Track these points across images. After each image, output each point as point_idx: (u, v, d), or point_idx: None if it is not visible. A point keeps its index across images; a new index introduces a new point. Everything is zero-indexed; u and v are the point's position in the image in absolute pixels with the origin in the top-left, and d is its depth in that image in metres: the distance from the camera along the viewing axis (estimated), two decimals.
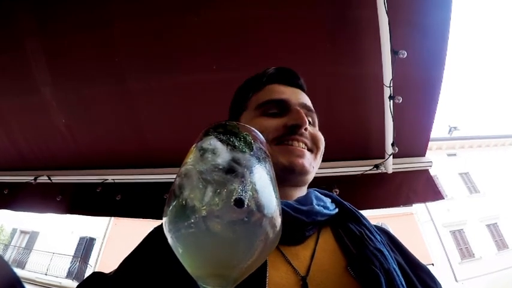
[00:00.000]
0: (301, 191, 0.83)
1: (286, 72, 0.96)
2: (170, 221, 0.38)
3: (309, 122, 0.86)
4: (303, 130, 0.79)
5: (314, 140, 0.83)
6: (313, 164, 0.81)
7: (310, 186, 0.94)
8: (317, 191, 0.88)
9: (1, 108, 2.31)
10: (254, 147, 0.43)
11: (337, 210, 0.81)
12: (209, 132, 0.45)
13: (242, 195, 0.36)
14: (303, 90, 0.95)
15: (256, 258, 0.38)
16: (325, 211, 0.76)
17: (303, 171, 0.76)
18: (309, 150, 0.81)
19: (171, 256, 0.40)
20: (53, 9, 1.86)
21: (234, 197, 0.36)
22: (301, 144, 0.79)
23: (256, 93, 0.91)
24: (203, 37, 1.84)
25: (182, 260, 0.38)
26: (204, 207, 0.36)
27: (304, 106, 0.87)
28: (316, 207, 0.74)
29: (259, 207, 0.37)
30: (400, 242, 0.84)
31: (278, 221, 0.39)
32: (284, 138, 0.78)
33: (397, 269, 0.66)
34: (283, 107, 0.84)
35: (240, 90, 1.00)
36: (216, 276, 0.36)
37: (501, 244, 18.00)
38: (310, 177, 0.82)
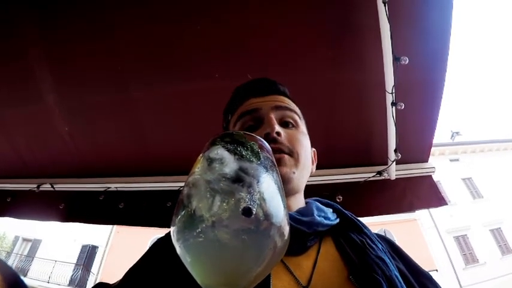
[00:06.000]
0: (296, 200, 0.82)
1: (257, 84, 0.94)
2: (178, 230, 0.38)
3: (289, 124, 0.84)
4: (275, 135, 0.76)
5: (290, 141, 0.79)
6: (293, 169, 0.77)
7: (313, 195, 0.93)
8: (318, 201, 0.87)
9: (4, 117, 2.32)
10: (261, 157, 0.43)
11: (338, 220, 0.80)
12: (216, 142, 0.45)
13: (250, 205, 0.36)
14: (282, 94, 0.93)
15: (265, 267, 0.38)
16: (326, 221, 0.76)
17: (283, 179, 0.73)
18: (289, 153, 0.78)
19: (178, 266, 0.40)
20: (57, 17, 1.87)
21: (242, 206, 0.36)
22: (277, 151, 0.76)
23: (233, 114, 0.91)
24: (205, 45, 1.85)
25: (191, 269, 0.38)
26: (212, 217, 0.36)
27: (279, 108, 0.85)
28: (317, 218, 0.74)
29: (267, 216, 0.37)
30: (402, 249, 0.83)
31: (286, 229, 0.40)
32: None
33: (399, 276, 0.66)
34: (257, 118, 0.83)
35: (223, 114, 0.99)
36: (224, 286, 0.36)
37: (505, 249, 17.87)
38: (296, 184, 0.78)
